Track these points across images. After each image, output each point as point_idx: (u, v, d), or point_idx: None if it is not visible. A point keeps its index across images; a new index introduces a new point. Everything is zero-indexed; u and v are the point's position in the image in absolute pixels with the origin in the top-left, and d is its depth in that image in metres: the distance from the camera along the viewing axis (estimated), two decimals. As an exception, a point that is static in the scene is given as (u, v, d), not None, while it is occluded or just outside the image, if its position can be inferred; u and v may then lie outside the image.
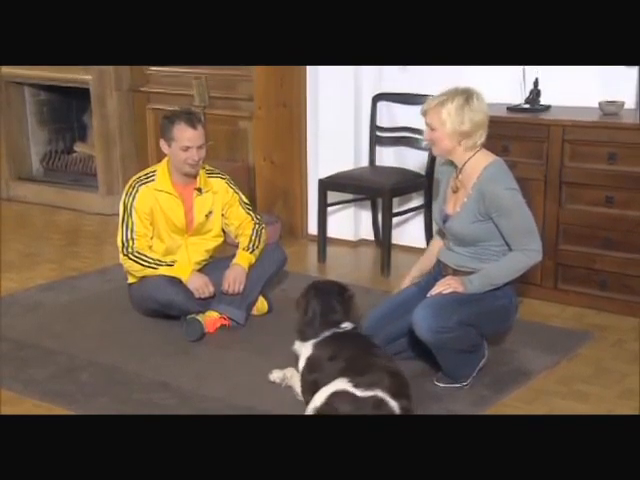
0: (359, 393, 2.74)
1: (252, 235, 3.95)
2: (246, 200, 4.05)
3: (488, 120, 3.24)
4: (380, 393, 2.74)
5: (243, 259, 3.88)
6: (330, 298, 3.19)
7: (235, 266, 3.85)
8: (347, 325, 3.15)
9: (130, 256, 3.82)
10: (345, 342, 3.07)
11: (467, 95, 3.18)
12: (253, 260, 3.89)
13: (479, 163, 3.23)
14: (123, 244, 3.84)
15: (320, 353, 3.08)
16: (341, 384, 2.78)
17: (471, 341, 3.23)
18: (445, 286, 3.21)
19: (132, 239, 3.84)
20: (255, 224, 4.00)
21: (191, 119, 3.81)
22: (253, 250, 3.92)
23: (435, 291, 3.22)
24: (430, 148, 3.36)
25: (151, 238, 3.89)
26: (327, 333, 3.12)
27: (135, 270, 3.86)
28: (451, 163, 3.38)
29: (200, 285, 3.80)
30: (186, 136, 3.78)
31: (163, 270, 3.80)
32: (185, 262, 3.87)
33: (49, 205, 6.20)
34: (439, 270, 3.41)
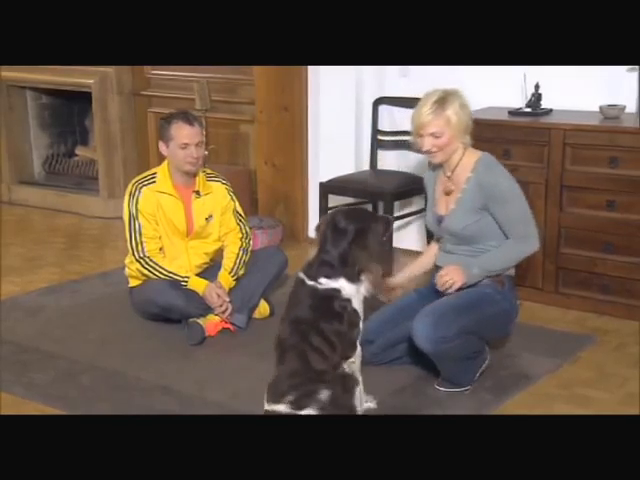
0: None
1: (237, 256, 3.95)
2: (240, 210, 4.05)
3: None
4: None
5: (225, 281, 3.88)
6: (336, 241, 2.85)
7: (218, 284, 3.85)
8: (325, 282, 2.83)
9: (142, 262, 3.83)
10: (296, 305, 2.86)
11: (456, 92, 3.20)
12: (233, 285, 3.90)
13: (470, 159, 3.25)
14: (133, 249, 3.85)
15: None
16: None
17: (472, 348, 3.21)
18: (447, 278, 3.18)
19: (142, 242, 3.84)
20: (242, 240, 4.00)
21: (187, 117, 3.83)
22: (235, 274, 3.93)
23: (441, 285, 3.19)
24: (430, 155, 3.24)
25: (160, 238, 3.89)
26: (300, 276, 2.89)
27: (144, 274, 3.87)
28: (434, 168, 3.37)
29: (218, 303, 3.80)
30: (184, 133, 3.79)
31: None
32: (198, 280, 3.86)
33: (51, 209, 6.21)
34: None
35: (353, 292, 2.86)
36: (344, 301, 2.84)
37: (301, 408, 2.72)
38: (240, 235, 4.01)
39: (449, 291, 3.19)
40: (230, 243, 4.00)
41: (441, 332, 3.05)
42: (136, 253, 3.85)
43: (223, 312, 3.81)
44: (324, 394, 2.73)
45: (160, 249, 3.89)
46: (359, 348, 2.93)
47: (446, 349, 3.08)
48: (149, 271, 3.84)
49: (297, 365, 2.77)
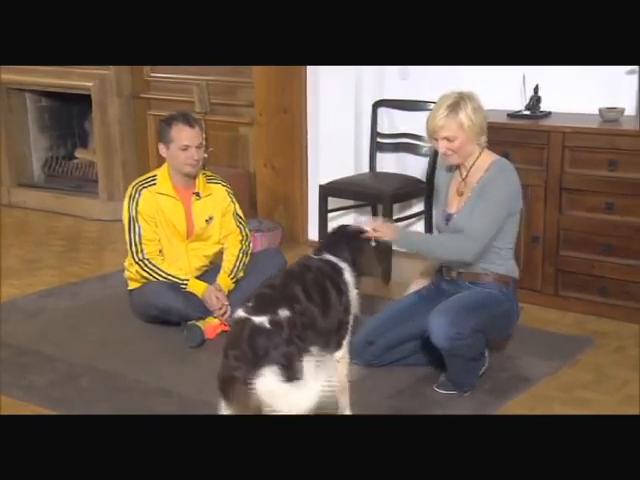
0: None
1: (237, 258, 3.96)
2: (240, 212, 4.06)
3: None
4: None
5: (224, 284, 3.89)
6: (339, 235, 3.06)
7: (217, 286, 3.86)
8: (330, 258, 2.94)
9: (142, 265, 3.84)
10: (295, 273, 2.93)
11: (469, 95, 3.21)
12: (232, 287, 3.91)
13: (485, 161, 3.26)
14: (133, 251, 3.85)
15: None
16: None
17: (480, 348, 3.24)
18: (379, 229, 3.12)
19: (141, 245, 3.85)
20: (242, 242, 4.01)
21: (188, 118, 3.84)
22: (235, 276, 3.94)
23: (370, 229, 3.10)
24: (445, 158, 3.27)
25: (159, 240, 3.89)
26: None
27: (144, 277, 3.87)
28: (450, 168, 3.38)
29: (217, 305, 3.80)
30: (184, 135, 3.79)
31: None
32: (197, 282, 3.86)
33: (50, 211, 6.20)
34: (441, 275, 3.41)
35: (351, 283, 2.96)
36: (345, 283, 2.94)
37: (254, 314, 2.63)
38: (240, 237, 4.01)
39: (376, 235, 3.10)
40: (230, 245, 4.00)
41: (457, 329, 3.07)
42: (136, 256, 3.85)
43: (222, 315, 3.81)
44: (283, 313, 2.65)
45: (160, 251, 3.90)
46: (348, 360, 2.97)
47: (460, 346, 3.11)
48: (148, 273, 3.84)
49: (278, 282, 2.82)
